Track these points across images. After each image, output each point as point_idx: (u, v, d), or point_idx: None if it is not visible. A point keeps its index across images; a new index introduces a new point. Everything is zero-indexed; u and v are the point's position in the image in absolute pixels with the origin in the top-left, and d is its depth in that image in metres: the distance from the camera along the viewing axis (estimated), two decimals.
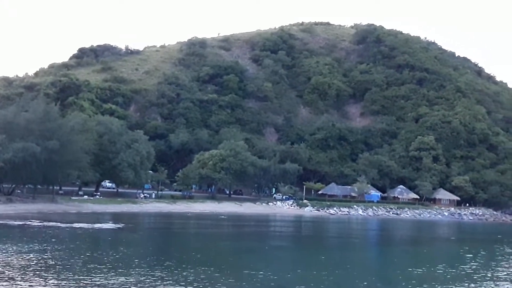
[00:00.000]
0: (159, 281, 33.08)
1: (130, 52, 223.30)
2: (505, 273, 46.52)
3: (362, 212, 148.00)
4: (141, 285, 31.59)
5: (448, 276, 42.50)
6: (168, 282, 32.88)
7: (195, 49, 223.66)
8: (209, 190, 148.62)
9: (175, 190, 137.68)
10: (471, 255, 60.25)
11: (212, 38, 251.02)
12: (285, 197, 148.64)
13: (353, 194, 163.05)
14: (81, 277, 32.75)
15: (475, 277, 42.70)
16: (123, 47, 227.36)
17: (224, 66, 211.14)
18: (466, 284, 38.88)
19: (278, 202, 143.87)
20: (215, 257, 47.08)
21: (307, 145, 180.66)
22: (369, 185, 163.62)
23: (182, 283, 32.60)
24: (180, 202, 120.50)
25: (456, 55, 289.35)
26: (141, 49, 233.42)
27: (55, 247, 45.20)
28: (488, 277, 43.55)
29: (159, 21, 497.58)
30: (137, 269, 36.96)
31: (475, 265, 50.60)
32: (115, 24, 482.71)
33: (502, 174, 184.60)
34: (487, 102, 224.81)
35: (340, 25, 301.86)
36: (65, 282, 31.06)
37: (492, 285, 39.39)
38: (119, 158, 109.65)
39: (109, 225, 67.30)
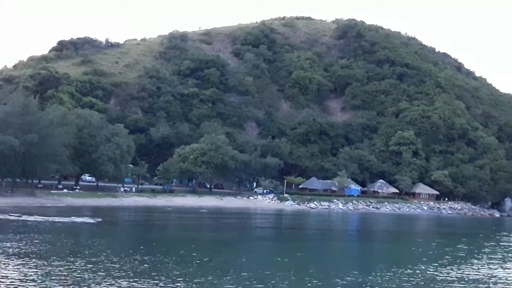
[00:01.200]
0: (139, 275, 32.96)
1: (111, 45, 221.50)
2: (479, 266, 47.10)
3: (342, 206, 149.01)
4: (120, 278, 31.45)
5: (426, 272, 42.90)
6: (148, 276, 32.78)
7: (176, 43, 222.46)
8: (190, 184, 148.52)
9: (156, 184, 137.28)
10: (447, 250, 60.91)
11: (193, 32, 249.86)
12: (266, 191, 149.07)
13: (333, 188, 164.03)
14: (59, 270, 32.52)
15: (451, 272, 43.19)
16: (103, 40, 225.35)
17: (205, 60, 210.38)
18: (442, 278, 39.30)
19: (259, 196, 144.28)
20: (196, 251, 47.00)
21: (288, 139, 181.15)
22: (349, 180, 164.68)
23: (162, 277, 32.52)
24: (161, 196, 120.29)
25: (436, 51, 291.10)
26: (121, 42, 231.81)
27: (34, 240, 44.84)
28: (465, 270, 44.06)
29: (139, 14, 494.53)
30: (116, 263, 36.79)
31: (450, 259, 51.12)
32: (95, 17, 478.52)
33: (481, 169, 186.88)
34: (467, 97, 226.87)
35: (321, 20, 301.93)
36: (43, 274, 30.83)
37: (470, 277, 39.88)
38: (99, 151, 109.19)
39: (89, 219, 66.87)
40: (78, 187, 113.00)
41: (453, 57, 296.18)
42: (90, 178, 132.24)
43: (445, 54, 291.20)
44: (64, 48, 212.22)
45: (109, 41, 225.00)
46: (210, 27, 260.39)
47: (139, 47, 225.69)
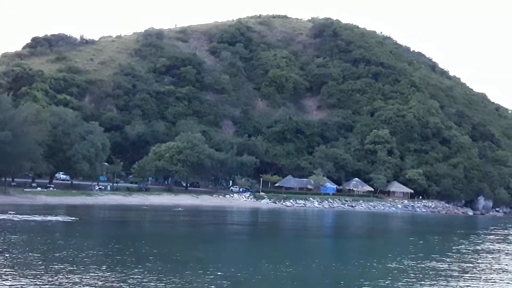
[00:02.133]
0: (113, 274, 32.73)
1: (85, 42, 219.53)
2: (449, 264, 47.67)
3: (318, 204, 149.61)
4: (94, 278, 31.20)
5: (398, 268, 43.30)
6: (122, 275, 32.56)
7: (151, 40, 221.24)
8: (166, 182, 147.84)
9: (131, 183, 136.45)
10: (420, 247, 61.58)
11: (169, 29, 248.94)
12: (242, 190, 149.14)
13: (309, 187, 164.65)
14: (33, 269, 32.16)
15: (422, 269, 43.66)
16: (78, 37, 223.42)
17: (181, 58, 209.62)
18: (416, 274, 39.70)
19: (235, 195, 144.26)
20: (171, 250, 46.86)
21: (264, 137, 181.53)
22: (325, 178, 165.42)
23: (137, 276, 32.33)
24: (136, 194, 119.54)
25: (411, 50, 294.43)
26: (96, 39, 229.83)
27: (7, 239, 44.27)
28: (437, 267, 44.57)
29: (115, 11, 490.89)
30: (90, 262, 36.49)
31: (423, 256, 51.67)
32: (70, 13, 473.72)
33: (454, 167, 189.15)
34: (441, 96, 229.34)
35: (297, 19, 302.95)
36: (16, 274, 30.44)
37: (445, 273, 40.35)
38: (73, 149, 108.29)
39: (63, 218, 66.19)
40: (52, 185, 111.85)
41: (427, 56, 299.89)
42: (64, 176, 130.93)
43: (419, 54, 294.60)
44: (38, 45, 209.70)
45: (84, 38, 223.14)
46: (186, 25, 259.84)
47: (114, 44, 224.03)
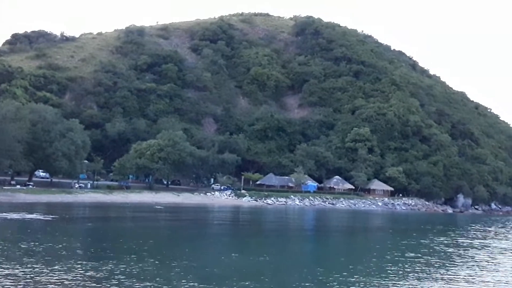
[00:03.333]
0: (94, 272, 32.62)
1: (66, 39, 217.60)
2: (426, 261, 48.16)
3: (299, 202, 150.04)
4: (74, 276, 31.08)
5: (378, 264, 43.65)
6: (103, 273, 32.46)
7: (133, 37, 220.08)
8: (147, 180, 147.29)
9: (112, 180, 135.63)
10: (401, 245, 62.07)
11: (150, 27, 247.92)
12: (223, 188, 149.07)
13: (290, 185, 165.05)
14: (13, 267, 31.94)
15: (403, 266, 44.05)
16: (58, 34, 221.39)
17: (163, 55, 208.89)
18: (394, 273, 40.05)
19: (216, 193, 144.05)
20: (151, 247, 46.76)
21: (246, 135, 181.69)
22: (306, 176, 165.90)
23: (118, 274, 32.26)
24: (117, 192, 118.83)
25: (392, 49, 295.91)
26: (77, 36, 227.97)
27: None
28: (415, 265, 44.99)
29: (96, 8, 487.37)
30: (71, 260, 36.31)
31: (402, 254, 52.11)
32: (50, 10, 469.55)
33: (434, 165, 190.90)
34: (421, 95, 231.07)
35: (279, 17, 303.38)
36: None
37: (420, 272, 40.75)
38: (53, 147, 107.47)
39: (43, 216, 65.69)
40: (31, 183, 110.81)
41: (408, 55, 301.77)
42: (44, 174, 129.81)
43: (400, 52, 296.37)
44: (18, 42, 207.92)
45: (64, 34, 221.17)
46: (167, 22, 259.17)
47: (95, 41, 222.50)
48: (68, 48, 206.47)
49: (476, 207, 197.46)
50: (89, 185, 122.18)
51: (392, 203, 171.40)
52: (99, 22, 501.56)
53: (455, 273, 41.59)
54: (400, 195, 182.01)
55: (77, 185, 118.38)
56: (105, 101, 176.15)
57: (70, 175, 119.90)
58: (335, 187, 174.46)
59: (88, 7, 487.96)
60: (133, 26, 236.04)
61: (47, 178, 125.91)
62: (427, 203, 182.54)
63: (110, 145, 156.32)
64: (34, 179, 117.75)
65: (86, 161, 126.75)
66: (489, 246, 65.76)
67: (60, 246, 42.76)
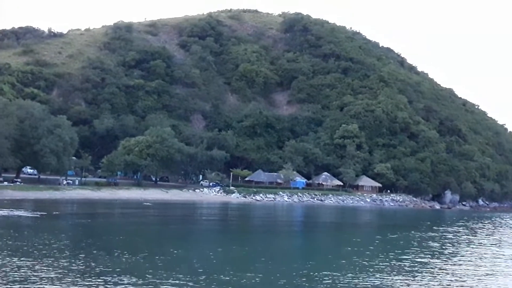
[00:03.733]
0: (82, 268, 32.59)
1: (53, 35, 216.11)
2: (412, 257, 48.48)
3: (288, 198, 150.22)
4: (65, 272, 31.04)
5: (365, 259, 43.91)
6: (93, 269, 32.45)
7: (121, 33, 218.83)
8: (135, 177, 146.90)
9: (100, 177, 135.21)
10: (388, 241, 62.47)
11: (138, 23, 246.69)
12: (212, 184, 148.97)
13: (279, 181, 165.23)
14: (3, 264, 31.89)
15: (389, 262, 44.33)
16: (45, 30, 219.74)
17: (151, 51, 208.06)
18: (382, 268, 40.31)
19: (205, 189, 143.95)
20: (139, 244, 46.76)
21: (235, 132, 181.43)
22: (294, 172, 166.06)
23: (108, 270, 32.25)
24: (105, 189, 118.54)
25: (380, 46, 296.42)
26: (64, 32, 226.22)
27: None
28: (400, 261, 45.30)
29: (83, 4, 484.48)
30: (61, 257, 36.25)
31: (391, 249, 52.45)
32: (38, 6, 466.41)
33: (422, 161, 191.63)
34: (409, 91, 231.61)
35: (268, 13, 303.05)
36: None
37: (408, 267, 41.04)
38: (40, 143, 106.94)
39: (30, 212, 65.39)
40: (19, 179, 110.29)
41: (396, 52, 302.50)
42: (31, 170, 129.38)
43: (388, 49, 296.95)
44: (5, 38, 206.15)
45: (52, 30, 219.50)
46: (155, 18, 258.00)
47: (83, 37, 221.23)
48: (55, 44, 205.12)
49: (463, 203, 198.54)
50: (77, 182, 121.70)
51: (380, 199, 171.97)
52: (87, 18, 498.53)
53: (440, 267, 41.94)
54: (388, 191, 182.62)
55: (65, 182, 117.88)
56: (93, 98, 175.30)
57: (58, 171, 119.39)
58: (323, 183, 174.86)
59: (75, 3, 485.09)
60: (121, 22, 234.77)
61: (35, 174, 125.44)
62: (415, 199, 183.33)
63: (98, 142, 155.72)
64: (21, 175, 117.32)
65: (74, 157, 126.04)
66: (474, 242, 66.36)
67: (47, 242, 42.67)
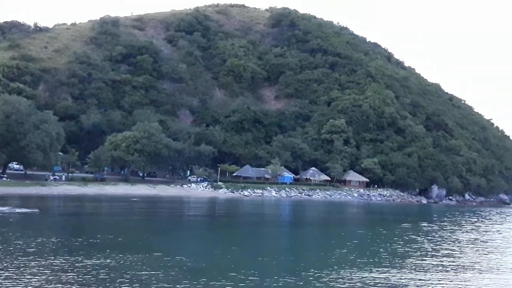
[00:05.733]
0: (71, 265, 32.40)
1: (39, 30, 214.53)
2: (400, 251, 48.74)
3: (276, 193, 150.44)
4: (54, 269, 30.84)
5: (352, 254, 44.06)
6: (81, 266, 32.26)
7: (107, 28, 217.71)
8: (122, 172, 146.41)
9: (87, 173, 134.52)
10: (375, 236, 62.70)
11: (125, 17, 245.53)
12: (200, 179, 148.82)
13: (267, 176, 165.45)
14: None
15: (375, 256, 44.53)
16: (31, 24, 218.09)
17: (138, 46, 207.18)
18: (368, 262, 40.44)
19: (193, 184, 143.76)
20: (126, 240, 46.56)
21: (222, 127, 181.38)
22: (282, 167, 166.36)
23: (96, 266, 32.09)
24: (92, 184, 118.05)
25: (367, 41, 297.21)
26: (50, 26, 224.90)
27: None
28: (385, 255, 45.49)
29: None
30: (49, 253, 36.02)
31: (375, 244, 52.65)
32: (24, 0, 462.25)
33: (409, 156, 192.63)
34: (396, 86, 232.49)
35: (255, 8, 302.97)
36: None
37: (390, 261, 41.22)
38: (27, 139, 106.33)
39: (17, 208, 64.88)
40: (5, 175, 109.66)
41: (383, 47, 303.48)
42: (18, 166, 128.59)
43: (375, 44, 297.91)
44: None
45: (38, 25, 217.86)
46: (142, 13, 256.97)
47: (69, 32, 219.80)
48: (41, 39, 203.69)
49: (450, 197, 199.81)
50: (63, 177, 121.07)
51: (368, 194, 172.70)
52: (73, 12, 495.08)
53: (427, 262, 42.13)
54: (376, 186, 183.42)
55: (51, 178, 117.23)
56: (79, 93, 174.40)
57: (44, 167, 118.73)
58: (311, 178, 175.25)
59: None
60: (107, 17, 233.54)
61: (21, 170, 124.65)
62: (402, 194, 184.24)
63: (85, 137, 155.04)
64: (8, 171, 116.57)
65: (60, 153, 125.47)
66: (459, 236, 66.80)
67: (34, 239, 42.35)
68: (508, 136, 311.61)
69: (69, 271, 30.76)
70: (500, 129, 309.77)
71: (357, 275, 34.66)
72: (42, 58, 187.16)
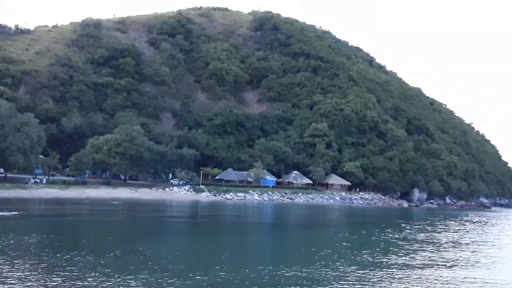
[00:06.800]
0: (51, 269, 32.19)
1: (20, 32, 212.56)
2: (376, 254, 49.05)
3: (258, 197, 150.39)
4: (33, 273, 30.61)
5: (333, 257, 44.24)
6: (60, 269, 32.06)
7: (89, 30, 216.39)
8: (104, 175, 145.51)
9: (68, 176, 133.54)
10: (355, 239, 63.00)
11: (107, 20, 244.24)
12: (182, 183, 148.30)
13: (249, 179, 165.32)
14: None
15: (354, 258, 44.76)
16: (12, 26, 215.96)
17: (120, 49, 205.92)
18: (350, 265, 40.65)
19: (175, 188, 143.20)
20: (107, 243, 46.34)
21: (205, 130, 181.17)
22: (265, 171, 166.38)
23: (75, 270, 31.90)
24: (73, 187, 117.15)
25: (349, 45, 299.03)
26: (32, 28, 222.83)
27: None
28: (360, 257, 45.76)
29: (51, 0, 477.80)
30: (28, 256, 35.74)
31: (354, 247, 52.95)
32: (4, 2, 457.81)
33: (390, 160, 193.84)
34: (378, 91, 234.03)
35: (238, 11, 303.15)
36: None
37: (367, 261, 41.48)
38: (7, 142, 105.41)
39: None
40: None
41: (365, 51, 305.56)
42: None
43: (357, 48, 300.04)
44: None
45: (19, 27, 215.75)
46: (125, 15, 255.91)
47: (51, 34, 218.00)
48: (22, 41, 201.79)
49: (431, 201, 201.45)
50: (44, 180, 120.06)
51: (350, 198, 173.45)
52: (54, 14, 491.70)
53: (406, 263, 42.48)
54: (357, 189, 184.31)
55: (32, 181, 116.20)
56: (61, 95, 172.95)
57: (25, 170, 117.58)
58: (293, 182, 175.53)
59: None
60: (89, 19, 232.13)
61: (1, 173, 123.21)
62: (383, 197, 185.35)
63: (66, 140, 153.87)
64: None
65: (41, 156, 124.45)
66: (437, 239, 67.41)
67: (12, 242, 42.03)
68: (489, 140, 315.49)
69: (46, 273, 30.56)
70: (480, 133, 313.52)
71: (339, 276, 34.81)
72: (23, 60, 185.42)
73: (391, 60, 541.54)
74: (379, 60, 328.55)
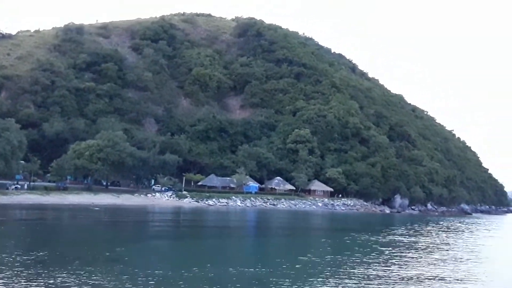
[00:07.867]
0: (29, 277, 32.01)
1: (2, 36, 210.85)
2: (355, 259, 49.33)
3: (241, 203, 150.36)
4: (10, 281, 30.44)
5: (314, 263, 44.40)
6: (38, 278, 31.89)
7: (71, 35, 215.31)
8: (85, 181, 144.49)
9: (49, 181, 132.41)
10: (337, 244, 63.28)
11: (90, 25, 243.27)
12: (164, 189, 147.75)
13: (232, 186, 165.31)
14: None
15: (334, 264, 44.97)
16: None
17: (103, 54, 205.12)
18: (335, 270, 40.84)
19: (157, 194, 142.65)
20: (87, 251, 46.09)
21: (188, 136, 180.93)
22: (247, 177, 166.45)
23: (51, 278, 31.74)
24: (54, 193, 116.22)
25: (332, 52, 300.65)
26: (13, 33, 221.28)
27: None
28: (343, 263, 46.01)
29: (33, 5, 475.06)
30: (6, 264, 35.49)
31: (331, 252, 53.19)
32: None
33: (373, 166, 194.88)
34: (360, 97, 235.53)
35: (221, 17, 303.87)
36: None
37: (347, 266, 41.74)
38: None
39: None
40: None
41: (347, 58, 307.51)
42: None
43: (340, 55, 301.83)
44: None
45: (1, 32, 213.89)
46: (107, 21, 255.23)
47: (33, 39, 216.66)
48: (4, 45, 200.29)
49: (412, 207, 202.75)
50: (25, 186, 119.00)
51: (332, 204, 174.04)
52: (36, 19, 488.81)
53: (387, 269, 42.77)
54: (340, 195, 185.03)
55: (13, 186, 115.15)
56: (42, 100, 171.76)
57: (5, 175, 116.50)
58: (276, 188, 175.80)
59: (25, 4, 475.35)
60: (72, 24, 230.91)
61: None
62: (365, 203, 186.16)
63: (48, 145, 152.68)
64: None
65: (22, 161, 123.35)
66: (418, 244, 67.95)
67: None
68: (470, 147, 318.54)
69: (23, 282, 30.38)
70: (461, 140, 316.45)
71: (320, 282, 34.95)
72: (4, 65, 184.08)
73: (376, 66, 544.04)
74: (362, 67, 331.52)
